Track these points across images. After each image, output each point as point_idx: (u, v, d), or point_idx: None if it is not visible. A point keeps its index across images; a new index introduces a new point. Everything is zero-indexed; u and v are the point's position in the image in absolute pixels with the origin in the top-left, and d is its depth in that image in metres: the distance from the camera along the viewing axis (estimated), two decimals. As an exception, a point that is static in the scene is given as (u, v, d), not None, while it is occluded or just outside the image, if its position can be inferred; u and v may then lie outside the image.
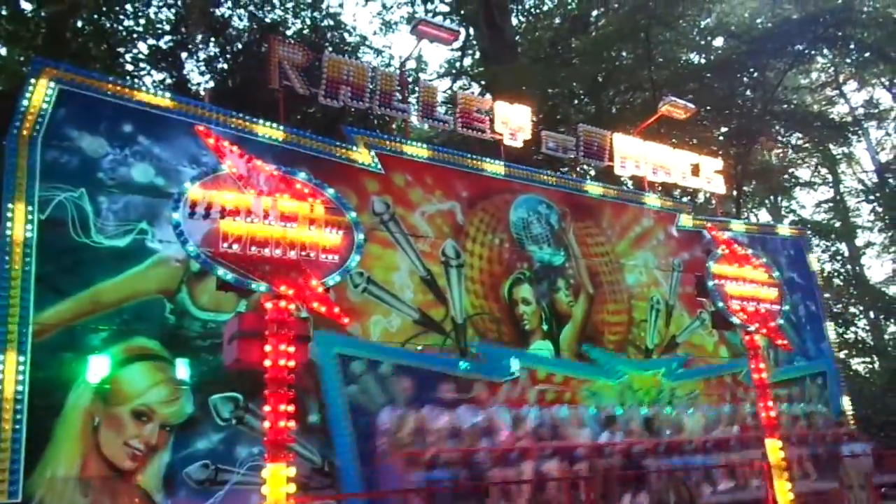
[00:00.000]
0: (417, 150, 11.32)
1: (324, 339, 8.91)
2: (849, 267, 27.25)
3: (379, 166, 10.69)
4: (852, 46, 20.82)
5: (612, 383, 11.91)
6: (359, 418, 9.25)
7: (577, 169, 14.41)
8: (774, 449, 8.80)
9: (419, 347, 10.08)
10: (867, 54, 21.20)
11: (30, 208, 7.81)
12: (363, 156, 10.59)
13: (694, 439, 11.16)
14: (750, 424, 12.11)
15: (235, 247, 5.85)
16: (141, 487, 7.69)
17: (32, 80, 8.27)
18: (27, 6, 15.17)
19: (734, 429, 11.96)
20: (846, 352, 24.17)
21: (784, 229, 17.19)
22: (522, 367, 10.94)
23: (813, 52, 21.65)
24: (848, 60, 23.48)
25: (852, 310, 26.58)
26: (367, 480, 8.93)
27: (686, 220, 14.46)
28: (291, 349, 5.91)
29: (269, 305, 5.93)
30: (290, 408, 5.83)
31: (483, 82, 22.90)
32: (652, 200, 14.13)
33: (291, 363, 5.90)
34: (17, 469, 6.98)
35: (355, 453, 9.06)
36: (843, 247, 27.51)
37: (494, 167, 12.09)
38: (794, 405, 13.61)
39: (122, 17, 16.69)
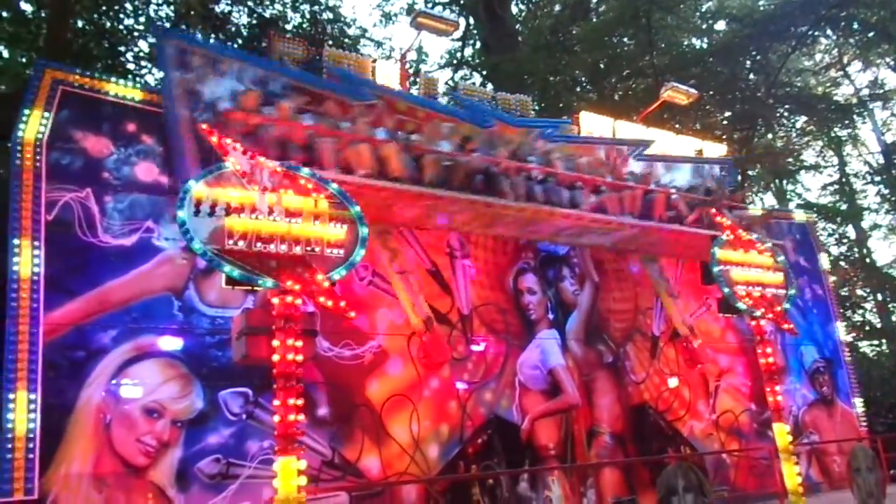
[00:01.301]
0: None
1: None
2: (856, 249, 27.15)
3: (382, 159, 10.69)
4: (856, 27, 20.68)
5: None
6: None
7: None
8: (782, 434, 8.82)
9: None
10: (871, 34, 21.05)
11: (36, 209, 7.86)
12: (366, 149, 10.59)
13: None
14: None
15: (241, 243, 5.89)
16: (154, 483, 7.79)
17: (35, 82, 8.32)
18: (28, 7, 15.21)
19: None
20: (854, 335, 24.12)
21: (796, 213, 17.15)
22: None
23: (816, 34, 21.50)
24: (852, 41, 23.31)
25: (859, 292, 26.51)
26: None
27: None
28: (299, 343, 5.97)
29: (275, 301, 5.98)
30: (300, 401, 5.89)
31: (484, 72, 22.87)
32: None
33: (299, 357, 5.96)
34: (32, 467, 7.07)
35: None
36: (849, 229, 27.41)
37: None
38: None
39: (122, 16, 16.70)
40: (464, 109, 11.44)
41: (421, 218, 10.34)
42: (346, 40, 19.23)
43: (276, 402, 5.85)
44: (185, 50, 8.94)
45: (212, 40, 17.20)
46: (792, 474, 8.70)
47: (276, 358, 5.88)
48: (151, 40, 17.27)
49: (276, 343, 5.90)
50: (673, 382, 12.45)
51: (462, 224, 10.77)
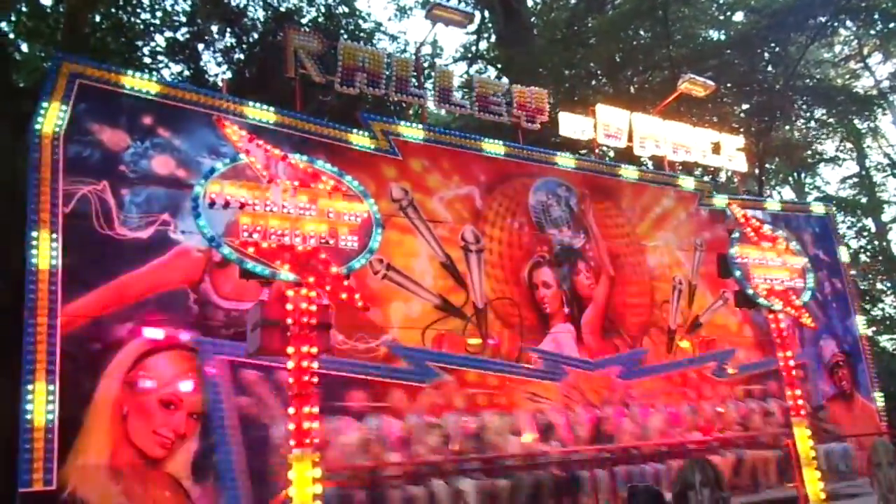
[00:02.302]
0: (434, 135, 11.30)
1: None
2: (875, 243, 26.82)
3: (396, 152, 10.70)
4: (876, 17, 20.33)
5: (555, 384, 10.96)
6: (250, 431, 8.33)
7: (597, 150, 14.29)
8: (803, 438, 8.70)
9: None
10: (892, 25, 20.70)
11: (54, 202, 7.92)
12: (380, 142, 10.60)
13: (645, 443, 10.75)
14: (715, 425, 11.81)
15: (256, 236, 5.91)
16: (170, 475, 7.84)
17: (53, 76, 8.37)
18: (47, 2, 15.32)
19: (695, 433, 11.52)
20: (874, 329, 23.83)
21: (815, 206, 16.95)
22: (448, 365, 9.98)
23: (836, 25, 21.18)
24: (872, 32, 22.95)
25: (879, 286, 26.19)
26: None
27: (718, 201, 14.34)
28: (313, 336, 5.98)
29: (290, 293, 5.99)
30: (315, 394, 5.91)
31: (499, 65, 22.76)
32: (686, 183, 14.05)
33: (314, 350, 5.97)
34: (50, 458, 7.13)
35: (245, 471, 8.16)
36: (869, 222, 27.07)
37: (512, 150, 12.03)
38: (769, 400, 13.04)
39: (139, 10, 16.80)
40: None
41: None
42: (361, 34, 19.21)
43: (291, 395, 5.87)
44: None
45: (227, 34, 17.23)
46: (813, 478, 8.61)
47: (290, 351, 5.89)
48: (168, 34, 17.41)
49: (290, 336, 5.91)
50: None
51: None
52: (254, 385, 8.49)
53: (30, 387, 7.23)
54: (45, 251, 7.67)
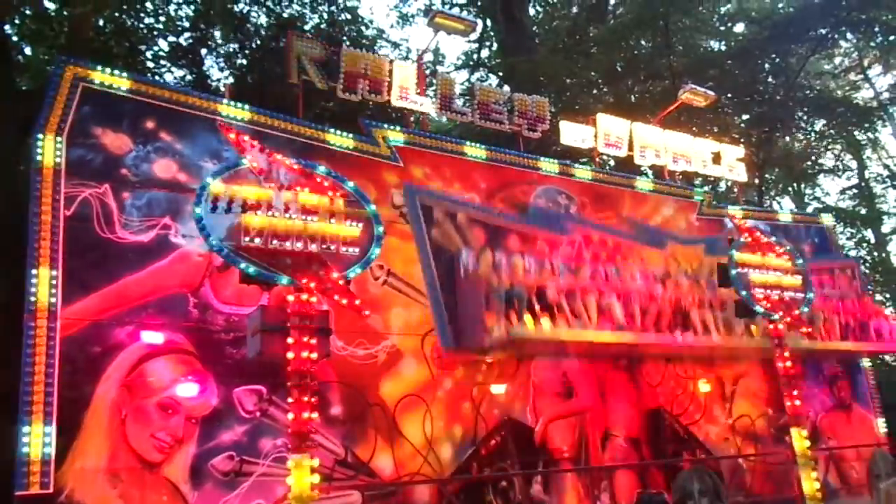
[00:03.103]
0: (436, 143, 11.32)
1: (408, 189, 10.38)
2: (875, 254, 26.84)
3: (397, 159, 10.72)
4: (877, 29, 20.42)
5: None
6: (441, 255, 10.29)
7: (597, 159, 14.32)
8: (801, 439, 8.71)
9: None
10: (892, 37, 20.79)
11: (56, 205, 7.93)
12: (382, 148, 10.62)
13: None
14: None
15: (257, 240, 5.91)
16: (168, 479, 7.82)
17: (56, 79, 8.40)
18: (51, 5, 15.38)
19: None
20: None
21: (791, 215, 16.99)
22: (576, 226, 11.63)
23: (836, 37, 21.25)
24: (872, 44, 23.03)
25: (879, 297, 26.19)
26: (452, 307, 10.02)
27: (735, 211, 14.46)
28: (313, 341, 5.97)
29: (291, 298, 5.99)
30: (313, 400, 5.90)
31: (501, 73, 22.83)
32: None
33: (314, 355, 5.96)
34: (48, 461, 7.12)
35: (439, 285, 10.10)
36: (868, 233, 27.10)
37: (513, 158, 12.05)
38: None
39: (142, 14, 16.85)
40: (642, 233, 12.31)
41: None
42: (364, 41, 19.28)
43: (290, 400, 5.86)
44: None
45: (230, 40, 17.27)
46: (810, 480, 8.60)
47: (290, 356, 5.89)
48: (171, 39, 17.46)
49: (290, 341, 5.90)
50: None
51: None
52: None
53: (28, 389, 7.21)
54: (46, 254, 7.67)
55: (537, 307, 9.94)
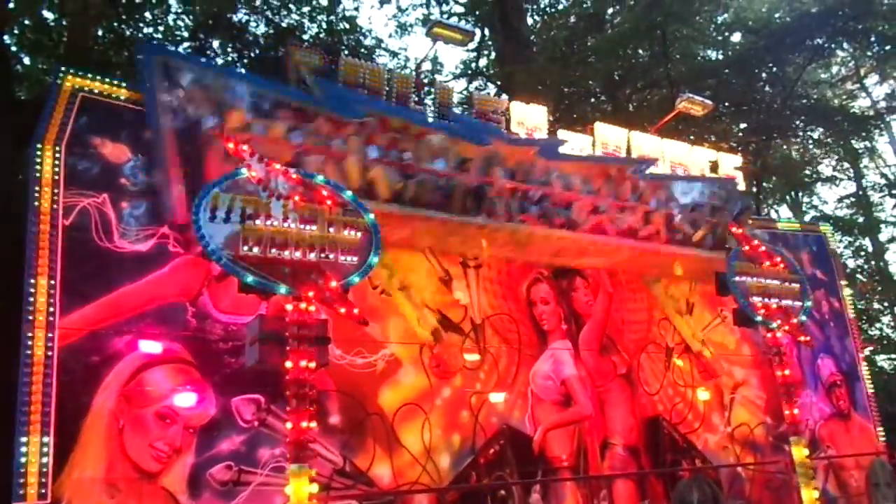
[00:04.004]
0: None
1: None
2: (872, 263, 26.90)
3: (396, 168, 10.72)
4: (873, 39, 20.52)
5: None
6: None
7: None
8: (800, 450, 8.69)
9: None
10: (888, 47, 20.89)
11: (54, 214, 7.93)
12: (380, 157, 10.62)
13: None
14: None
15: (256, 249, 5.92)
16: (166, 489, 7.79)
17: (55, 89, 8.42)
18: (49, 15, 15.43)
19: None
20: (871, 349, 23.85)
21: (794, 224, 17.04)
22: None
23: (833, 46, 21.35)
24: (869, 54, 23.15)
25: (876, 306, 26.23)
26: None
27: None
28: (312, 350, 5.97)
29: (289, 307, 5.99)
30: (312, 408, 5.89)
31: (499, 82, 22.91)
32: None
33: (312, 365, 5.96)
34: (45, 471, 7.09)
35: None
36: (866, 242, 27.17)
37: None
38: None
39: (141, 24, 16.92)
40: (460, 126, 11.33)
41: (410, 240, 10.15)
42: (362, 50, 19.36)
43: (289, 410, 5.85)
44: (169, 66, 8.95)
45: (229, 49, 17.38)
46: (809, 490, 8.58)
47: (288, 365, 5.89)
48: (171, 48, 17.49)
49: (288, 350, 5.90)
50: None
51: (454, 247, 10.70)
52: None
53: (25, 399, 7.20)
54: (44, 263, 7.67)
55: None
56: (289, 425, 5.83)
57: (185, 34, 17.68)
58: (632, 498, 10.99)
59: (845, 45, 22.20)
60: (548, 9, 25.21)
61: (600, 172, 12.28)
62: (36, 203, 7.88)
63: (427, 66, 21.92)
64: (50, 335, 7.51)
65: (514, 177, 10.92)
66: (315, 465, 5.87)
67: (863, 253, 26.95)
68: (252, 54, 17.96)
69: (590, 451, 10.98)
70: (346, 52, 17.88)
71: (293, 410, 5.79)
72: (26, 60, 15.68)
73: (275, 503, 8.06)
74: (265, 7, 18.48)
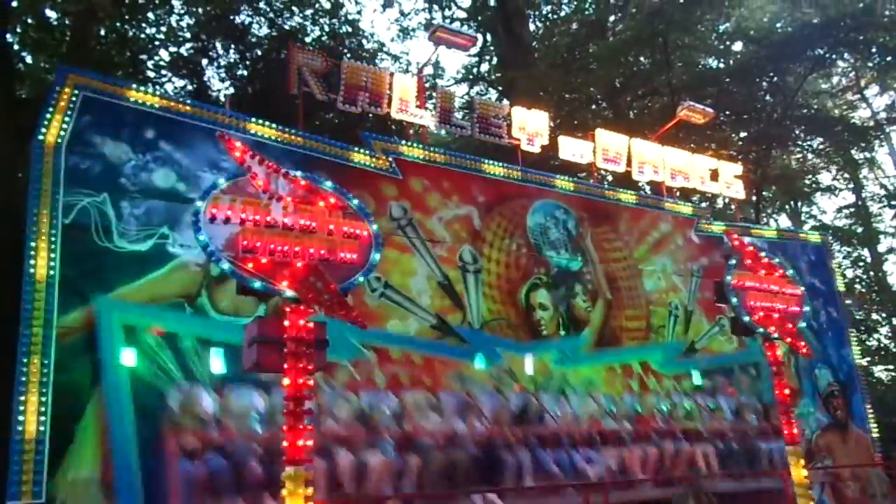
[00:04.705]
0: (435, 156, 11.36)
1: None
2: (871, 273, 26.90)
3: (396, 171, 10.74)
4: (874, 50, 20.56)
5: (485, 368, 10.55)
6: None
7: (595, 174, 14.37)
8: (798, 472, 8.60)
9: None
10: (889, 58, 20.94)
11: (54, 213, 7.92)
12: (381, 161, 10.65)
13: (577, 431, 10.66)
14: (656, 417, 11.71)
15: (256, 251, 5.89)
16: (161, 489, 7.75)
17: (57, 88, 8.42)
18: (52, 14, 15.44)
19: (626, 423, 11.36)
20: (868, 359, 23.83)
21: (805, 235, 17.03)
22: (366, 344, 9.54)
23: (833, 57, 21.40)
24: (870, 64, 23.18)
25: (875, 317, 26.22)
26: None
27: (707, 226, 14.40)
28: (310, 353, 5.95)
29: (288, 309, 5.97)
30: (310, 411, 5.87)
31: (500, 88, 22.95)
32: (681, 208, 14.12)
33: (310, 367, 5.94)
34: (40, 470, 7.07)
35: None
36: (865, 253, 27.16)
37: (511, 172, 12.10)
38: (717, 397, 12.99)
39: (144, 24, 16.94)
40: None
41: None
42: (364, 54, 19.38)
43: (285, 412, 5.82)
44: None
45: (231, 51, 17.36)
46: (806, 500, 8.54)
47: (286, 367, 5.86)
48: (172, 49, 17.53)
49: (286, 353, 5.88)
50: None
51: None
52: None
53: (22, 398, 7.19)
54: (43, 261, 7.67)
55: None
56: (285, 429, 5.80)
57: (188, 35, 17.69)
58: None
59: (846, 56, 22.25)
60: (550, 15, 25.26)
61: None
62: (36, 201, 7.87)
63: (429, 70, 21.93)
64: (47, 333, 7.49)
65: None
66: (312, 468, 5.83)
67: (861, 263, 26.95)
68: (254, 56, 17.97)
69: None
70: (348, 55, 17.89)
71: (290, 413, 5.77)
72: (28, 59, 15.69)
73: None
74: (268, 9, 18.51)
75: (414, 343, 10.06)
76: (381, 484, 8.51)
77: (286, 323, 5.92)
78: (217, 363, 8.41)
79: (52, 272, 7.68)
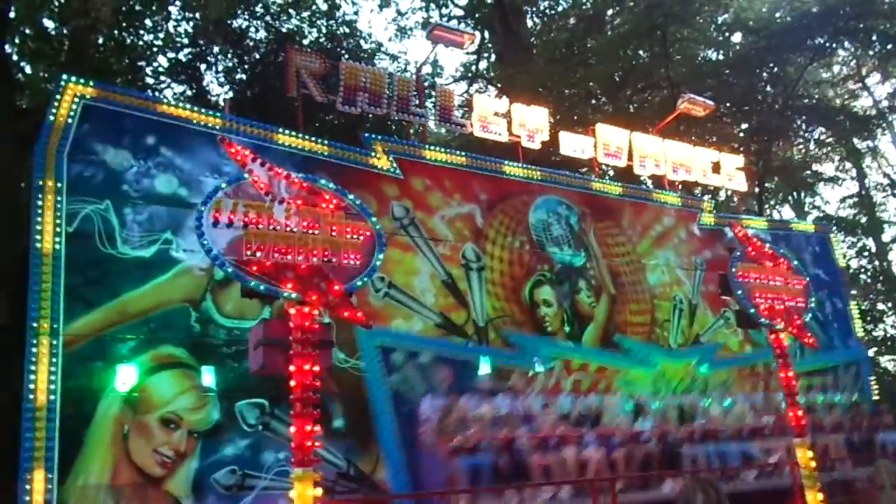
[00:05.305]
0: (436, 154, 11.37)
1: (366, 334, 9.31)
2: (876, 262, 26.83)
3: (398, 171, 10.75)
4: (874, 38, 20.49)
5: (645, 372, 11.94)
6: (401, 407, 9.50)
7: (597, 169, 14.36)
8: (804, 452, 8.61)
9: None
10: (890, 46, 20.87)
11: (58, 221, 7.95)
12: (382, 161, 10.66)
13: (728, 427, 11.30)
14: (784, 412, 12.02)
15: (259, 254, 5.90)
16: (170, 493, 7.80)
17: (57, 97, 8.44)
18: (50, 24, 15.47)
19: (766, 417, 11.95)
20: (874, 349, 23.78)
21: (805, 225, 16.99)
22: (555, 357, 11.14)
23: (834, 46, 21.33)
24: (870, 53, 23.11)
25: (880, 306, 26.15)
26: (411, 468, 9.18)
27: (707, 219, 14.38)
28: (315, 354, 5.96)
29: (293, 311, 5.98)
30: (316, 412, 5.88)
31: (499, 85, 22.92)
32: (671, 199, 14.07)
33: (316, 368, 5.95)
34: (51, 477, 7.10)
35: (399, 441, 9.31)
36: (869, 242, 27.09)
37: (513, 169, 12.10)
38: (828, 394, 13.67)
39: (141, 31, 16.95)
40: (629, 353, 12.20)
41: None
42: (363, 54, 19.37)
43: (293, 414, 5.84)
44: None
45: (229, 55, 17.38)
46: (814, 492, 8.53)
47: (292, 369, 5.88)
48: (171, 55, 17.54)
49: (292, 354, 5.89)
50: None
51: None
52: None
53: (30, 405, 7.23)
54: (48, 270, 7.69)
55: (505, 470, 8.93)
56: (293, 429, 5.81)
57: (185, 40, 17.71)
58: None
59: (847, 45, 22.18)
60: (547, 11, 25.23)
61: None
62: (39, 210, 7.90)
63: (427, 69, 21.93)
64: (54, 342, 7.52)
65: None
66: (319, 470, 5.85)
67: (866, 253, 26.88)
68: (252, 60, 17.99)
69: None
70: (347, 56, 17.88)
71: (297, 414, 5.78)
72: (28, 69, 15.72)
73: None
74: (265, 12, 18.52)
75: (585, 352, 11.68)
76: (599, 473, 9.34)
77: (291, 324, 5.94)
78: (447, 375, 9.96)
79: (57, 280, 7.70)
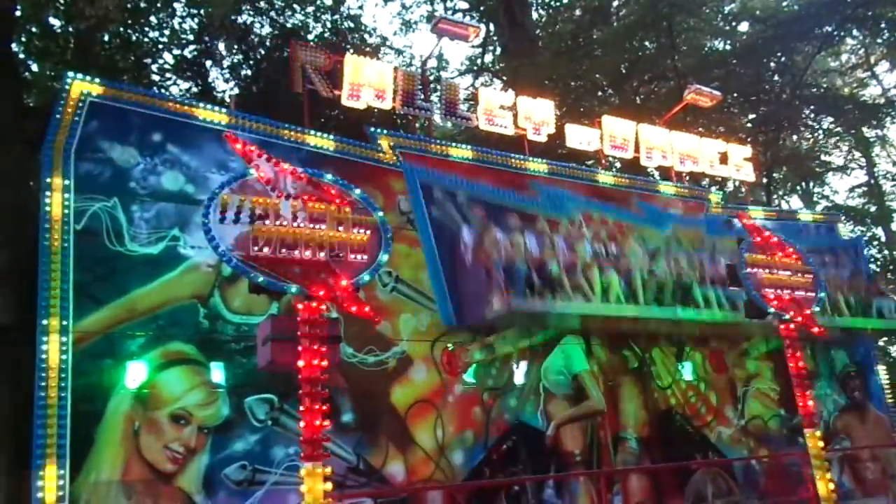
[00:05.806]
0: (441, 148, 11.34)
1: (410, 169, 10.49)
2: (885, 252, 26.66)
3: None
4: (883, 26, 20.33)
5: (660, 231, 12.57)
6: (442, 233, 10.41)
7: (604, 161, 14.29)
8: (814, 440, 8.61)
9: None
10: (899, 34, 20.73)
11: (66, 219, 7.98)
12: (388, 155, 10.65)
13: None
14: None
15: (266, 250, 5.92)
16: (182, 489, 7.84)
17: (64, 94, 8.47)
18: (56, 22, 15.51)
19: None
20: (885, 338, 23.63)
21: (811, 215, 16.88)
22: (579, 208, 11.89)
23: (842, 34, 21.17)
24: (879, 41, 22.92)
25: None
26: (453, 283, 10.16)
27: (714, 210, 14.30)
28: (324, 349, 5.97)
29: (300, 307, 5.99)
30: (325, 407, 5.89)
31: (505, 78, 22.85)
32: (663, 188, 14.01)
33: (324, 363, 5.96)
34: (63, 473, 7.15)
35: (440, 262, 10.24)
36: (878, 231, 26.93)
37: (517, 162, 12.06)
38: None
39: (147, 28, 16.97)
40: (644, 214, 12.78)
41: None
42: (367, 49, 19.34)
43: (302, 409, 5.86)
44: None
45: (234, 51, 17.33)
46: (825, 481, 8.52)
47: (300, 364, 5.89)
48: (176, 52, 17.57)
49: (300, 349, 5.90)
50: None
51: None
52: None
53: (42, 402, 7.28)
54: (57, 267, 7.72)
55: (538, 283, 9.89)
56: (302, 424, 5.83)
57: (191, 37, 17.72)
58: (645, 492, 10.95)
59: (855, 33, 22.00)
60: (553, 2, 25.11)
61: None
62: (47, 208, 7.94)
63: (433, 63, 21.89)
64: (64, 339, 7.56)
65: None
66: (329, 464, 5.87)
67: (875, 242, 26.71)
68: (257, 56, 17.99)
69: (603, 446, 10.94)
70: (351, 51, 17.85)
71: (306, 410, 5.80)
72: (34, 67, 15.77)
73: (289, 502, 8.10)
74: (269, 8, 18.50)
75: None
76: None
77: (299, 320, 5.95)
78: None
79: (66, 278, 7.74)
